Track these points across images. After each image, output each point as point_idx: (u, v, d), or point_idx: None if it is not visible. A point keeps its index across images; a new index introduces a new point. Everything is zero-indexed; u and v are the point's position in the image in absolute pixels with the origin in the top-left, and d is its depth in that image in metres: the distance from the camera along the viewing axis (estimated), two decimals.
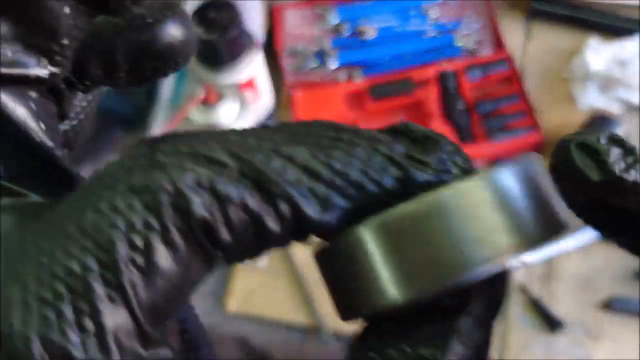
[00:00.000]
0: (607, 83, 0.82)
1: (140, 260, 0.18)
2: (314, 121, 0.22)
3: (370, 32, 0.89)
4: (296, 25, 0.91)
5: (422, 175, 0.21)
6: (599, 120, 0.80)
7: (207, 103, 0.74)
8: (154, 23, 0.25)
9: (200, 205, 0.18)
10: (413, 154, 0.21)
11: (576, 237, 0.76)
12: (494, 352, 0.72)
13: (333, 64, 0.88)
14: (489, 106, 0.83)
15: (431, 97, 0.84)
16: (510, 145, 0.81)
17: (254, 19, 0.86)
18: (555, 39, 0.89)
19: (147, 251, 0.18)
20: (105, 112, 0.86)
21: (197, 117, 0.75)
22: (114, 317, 0.17)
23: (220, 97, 0.74)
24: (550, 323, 0.72)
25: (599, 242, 0.76)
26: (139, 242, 0.18)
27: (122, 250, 0.18)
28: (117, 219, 0.18)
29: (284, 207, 0.19)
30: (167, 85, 0.85)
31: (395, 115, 0.85)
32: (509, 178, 0.20)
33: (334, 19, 0.91)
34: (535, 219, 0.20)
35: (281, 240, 0.20)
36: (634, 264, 0.75)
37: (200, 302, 0.76)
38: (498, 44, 0.88)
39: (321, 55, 0.88)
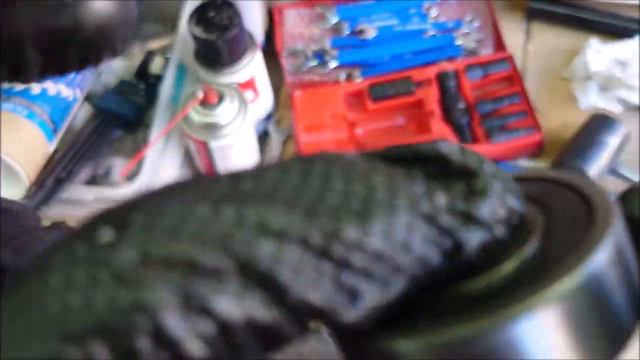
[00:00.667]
0: (607, 83, 0.82)
1: None
2: (329, 161, 0.16)
3: (370, 31, 0.89)
4: (296, 24, 0.91)
5: (473, 239, 0.16)
6: (600, 121, 0.80)
7: (207, 103, 0.74)
8: (75, 1, 0.18)
9: (195, 343, 0.13)
10: (458, 206, 0.16)
11: None
12: None
13: (333, 64, 0.87)
14: (489, 106, 0.83)
15: (431, 96, 0.83)
16: (510, 145, 0.81)
17: (253, 18, 0.86)
18: (556, 39, 0.89)
19: None
20: (104, 112, 0.86)
21: (196, 117, 0.74)
22: None
23: (220, 96, 0.74)
24: None
25: None
26: None
27: None
28: None
29: (304, 315, 0.15)
30: (166, 85, 0.85)
31: (395, 115, 0.85)
32: (601, 271, 0.15)
33: (333, 18, 0.90)
34: (630, 310, 0.16)
35: (300, 337, 0.15)
36: None
37: None
38: (498, 43, 0.88)
39: (321, 55, 0.88)
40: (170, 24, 0.90)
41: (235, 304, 0.14)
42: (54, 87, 0.81)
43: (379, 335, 0.15)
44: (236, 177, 0.16)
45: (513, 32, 0.89)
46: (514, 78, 0.85)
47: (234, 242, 0.14)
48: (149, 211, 0.15)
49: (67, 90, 0.82)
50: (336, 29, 0.90)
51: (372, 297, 0.15)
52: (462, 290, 0.16)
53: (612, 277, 0.16)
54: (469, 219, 0.16)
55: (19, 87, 0.80)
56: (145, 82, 0.87)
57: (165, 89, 0.84)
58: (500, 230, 0.17)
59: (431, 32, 0.89)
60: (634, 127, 0.80)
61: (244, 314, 0.14)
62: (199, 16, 0.75)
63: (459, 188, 0.17)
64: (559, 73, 0.86)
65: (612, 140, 0.79)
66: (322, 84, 0.87)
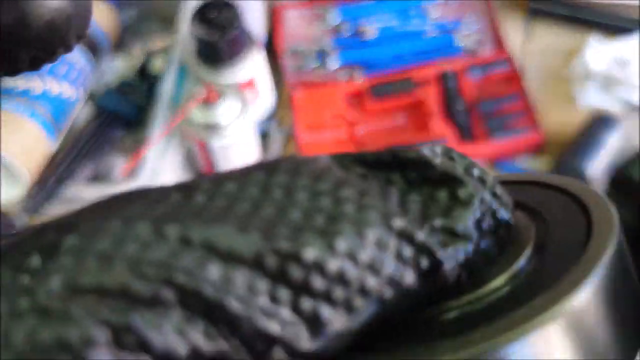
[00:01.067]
0: (607, 83, 0.82)
1: None
2: (293, 170, 0.15)
3: (371, 32, 0.89)
4: (297, 25, 0.91)
5: (454, 255, 0.14)
6: (600, 120, 0.80)
7: (208, 102, 0.74)
8: None
9: None
10: (438, 218, 0.15)
11: None
12: None
13: (334, 64, 0.88)
14: (489, 106, 0.83)
15: (432, 96, 0.84)
16: (510, 144, 0.81)
17: (254, 19, 0.86)
18: (556, 38, 0.89)
19: None
20: (106, 111, 0.86)
21: (197, 116, 0.75)
22: None
23: (220, 96, 0.74)
24: None
25: None
26: None
27: None
28: None
29: (259, 344, 0.13)
30: (167, 85, 0.85)
31: (395, 115, 0.85)
32: (594, 293, 0.14)
33: (334, 19, 0.91)
34: (627, 337, 0.15)
35: None
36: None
37: None
38: (498, 43, 0.88)
39: (322, 55, 0.88)
40: (170, 24, 0.91)
41: (176, 338, 0.12)
42: (56, 86, 0.81)
43: None
44: (189, 189, 0.15)
45: (513, 32, 0.89)
46: (514, 78, 0.85)
47: (176, 267, 0.13)
48: (82, 232, 0.13)
49: (69, 90, 0.83)
50: (337, 29, 0.90)
51: (336, 323, 0.13)
52: (443, 310, 0.15)
53: (605, 307, 0.14)
54: (450, 232, 0.15)
55: (21, 86, 0.80)
56: (146, 82, 0.87)
57: (166, 89, 0.85)
58: (486, 244, 0.15)
59: (431, 33, 0.89)
60: (634, 127, 0.80)
61: (187, 347, 0.12)
62: (200, 16, 0.75)
63: (440, 197, 0.15)
64: (559, 73, 0.86)
65: (612, 140, 0.79)
66: (322, 84, 0.87)
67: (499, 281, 0.15)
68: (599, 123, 0.80)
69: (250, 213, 0.14)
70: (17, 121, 0.77)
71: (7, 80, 0.80)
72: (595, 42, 0.84)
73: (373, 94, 0.85)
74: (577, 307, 0.14)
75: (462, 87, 0.84)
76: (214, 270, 0.13)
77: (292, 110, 0.85)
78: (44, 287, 0.12)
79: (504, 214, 0.15)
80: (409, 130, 0.84)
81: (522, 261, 0.15)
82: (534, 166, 0.81)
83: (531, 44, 0.89)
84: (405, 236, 0.14)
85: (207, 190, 0.14)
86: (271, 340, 0.13)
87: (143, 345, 0.12)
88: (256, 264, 0.13)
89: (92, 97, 0.88)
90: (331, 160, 0.16)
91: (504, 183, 0.18)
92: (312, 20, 0.92)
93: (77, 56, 0.84)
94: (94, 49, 0.86)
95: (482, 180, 0.15)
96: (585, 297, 0.14)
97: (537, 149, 0.81)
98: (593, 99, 0.82)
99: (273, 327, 0.13)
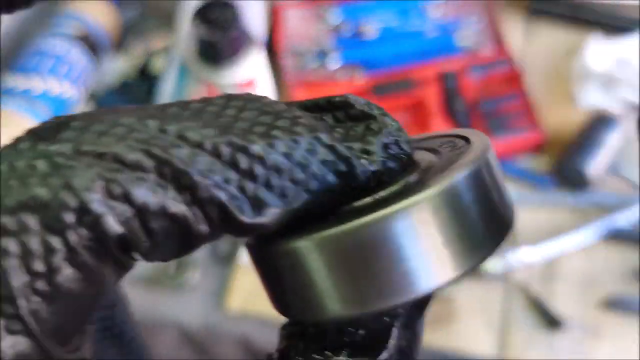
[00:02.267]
0: (607, 82, 0.82)
1: (42, 285, 0.15)
2: (247, 99, 0.19)
3: (371, 31, 0.89)
4: (297, 25, 0.91)
5: (367, 167, 0.19)
6: (600, 120, 0.80)
7: None
8: None
9: (113, 221, 0.16)
10: (355, 139, 0.19)
11: (576, 237, 0.76)
12: (493, 350, 0.72)
13: (334, 64, 0.88)
14: (489, 105, 0.83)
15: (432, 96, 0.84)
16: (510, 143, 0.81)
17: (254, 19, 0.86)
18: (556, 38, 0.89)
19: (51, 275, 0.15)
20: None
21: None
22: (15, 346, 0.15)
23: None
24: (551, 322, 0.73)
25: (600, 242, 0.76)
26: (39, 266, 0.15)
27: (18, 279, 0.15)
28: (8, 242, 0.15)
29: (212, 210, 0.17)
30: (168, 85, 0.85)
31: (396, 115, 0.85)
32: (463, 186, 0.19)
33: (335, 18, 0.91)
34: (486, 228, 0.20)
35: (210, 238, 0.18)
36: (634, 264, 0.75)
37: (200, 301, 0.76)
38: (499, 43, 0.88)
39: (322, 55, 0.88)
40: (170, 24, 0.91)
41: (150, 194, 0.16)
42: (57, 86, 0.81)
43: (282, 240, 0.19)
44: (164, 105, 0.19)
45: (513, 31, 0.90)
46: (514, 78, 0.85)
47: (155, 145, 0.17)
48: (84, 118, 0.18)
49: (70, 89, 0.83)
50: (337, 29, 0.90)
51: (272, 204, 0.18)
52: (353, 206, 0.20)
53: (466, 197, 0.19)
54: (364, 151, 0.19)
55: (22, 86, 0.80)
56: (146, 82, 0.87)
57: (166, 89, 0.85)
58: (391, 164, 0.20)
59: (431, 33, 0.89)
60: (634, 126, 0.81)
61: (158, 203, 0.16)
62: (201, 16, 0.75)
63: (358, 129, 0.20)
64: (559, 73, 0.86)
65: (612, 140, 0.79)
66: (323, 84, 0.87)
67: (394, 187, 0.20)
68: (599, 123, 0.80)
69: (211, 120, 0.18)
70: (17, 121, 0.78)
71: (7, 80, 0.80)
72: (595, 42, 0.84)
73: (373, 93, 0.85)
74: (418, 208, 0.19)
75: (462, 87, 0.84)
76: (182, 151, 0.17)
77: None
78: (55, 150, 0.16)
79: (405, 146, 0.20)
80: (410, 130, 0.84)
81: (412, 177, 0.20)
82: (534, 166, 0.81)
83: (531, 44, 0.89)
84: (329, 147, 0.19)
85: (177, 105, 0.19)
86: (221, 208, 0.17)
87: (127, 197, 0.16)
88: (214, 152, 0.17)
89: (92, 96, 0.88)
90: (278, 101, 0.20)
91: (420, 139, 0.25)
92: (313, 20, 0.92)
93: (78, 56, 0.84)
94: (95, 49, 0.86)
95: (392, 124, 0.21)
96: (431, 200, 0.19)
97: (537, 149, 0.82)
98: (593, 99, 0.83)
99: (223, 196, 0.17)
